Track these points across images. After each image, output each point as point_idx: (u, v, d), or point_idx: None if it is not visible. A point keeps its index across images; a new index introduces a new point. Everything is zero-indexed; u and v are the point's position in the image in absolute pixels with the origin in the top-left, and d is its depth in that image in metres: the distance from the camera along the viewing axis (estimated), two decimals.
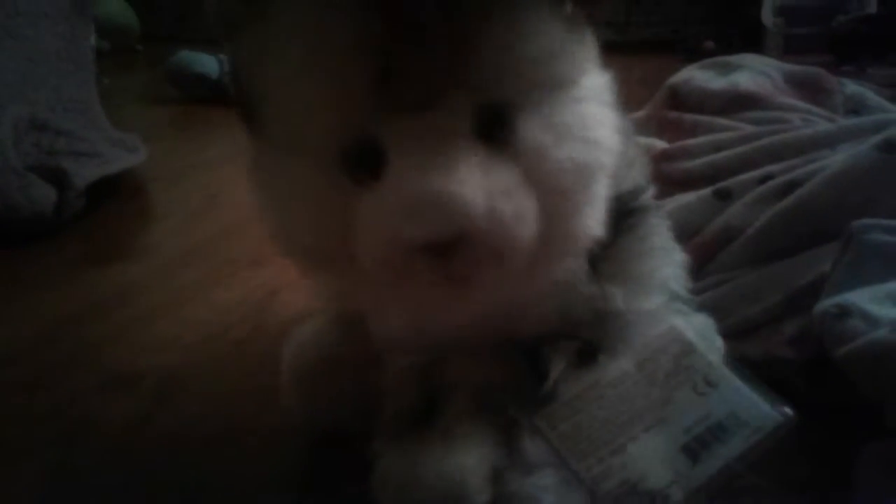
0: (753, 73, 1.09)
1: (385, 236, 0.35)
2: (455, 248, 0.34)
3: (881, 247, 0.57)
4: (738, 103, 1.03)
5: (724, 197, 0.78)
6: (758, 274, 0.66)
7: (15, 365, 0.68)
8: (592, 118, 0.40)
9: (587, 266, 0.44)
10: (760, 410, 0.42)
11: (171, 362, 0.67)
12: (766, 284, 0.63)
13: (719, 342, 0.49)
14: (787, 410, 0.42)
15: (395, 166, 0.35)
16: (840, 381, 0.51)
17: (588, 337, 0.46)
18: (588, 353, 0.46)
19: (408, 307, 0.41)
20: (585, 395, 0.44)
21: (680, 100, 1.09)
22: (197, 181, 1.25)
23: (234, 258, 0.90)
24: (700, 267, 0.71)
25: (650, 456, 0.41)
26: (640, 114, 1.10)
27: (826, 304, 0.54)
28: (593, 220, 0.41)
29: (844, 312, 0.52)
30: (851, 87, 1.09)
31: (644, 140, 0.97)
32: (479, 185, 0.34)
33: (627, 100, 0.43)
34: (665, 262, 0.51)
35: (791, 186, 0.71)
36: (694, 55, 1.58)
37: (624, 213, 0.46)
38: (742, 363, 0.46)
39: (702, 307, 0.52)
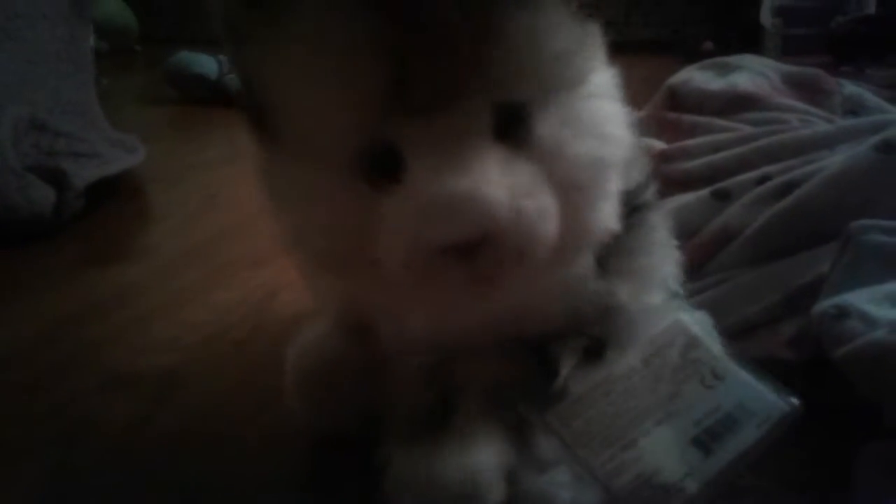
0: (752, 74, 1.10)
1: (410, 239, 0.35)
2: (480, 249, 0.34)
3: (879, 247, 0.57)
4: (736, 104, 1.03)
5: (723, 198, 0.78)
6: (756, 274, 0.66)
7: (14, 365, 0.68)
8: (605, 114, 0.40)
9: (593, 262, 0.44)
10: (768, 401, 0.43)
11: (171, 363, 0.67)
12: (765, 284, 0.63)
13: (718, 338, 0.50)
14: (794, 400, 0.43)
15: (415, 169, 0.35)
16: (839, 381, 0.51)
17: (594, 333, 0.46)
18: (595, 349, 0.46)
19: (429, 308, 0.41)
20: (595, 391, 0.44)
21: (679, 100, 1.09)
22: (196, 182, 1.25)
23: (233, 259, 0.90)
24: (698, 267, 0.72)
25: (663, 449, 0.42)
26: (640, 114, 1.10)
27: (824, 304, 0.54)
28: (608, 215, 0.41)
29: (843, 313, 0.52)
30: (850, 87, 1.09)
31: (644, 141, 0.97)
32: (501, 184, 0.34)
33: (626, 100, 0.43)
34: (666, 258, 0.51)
35: (789, 187, 0.71)
36: (693, 56, 1.58)
37: (629, 210, 0.46)
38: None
39: (700, 307, 0.52)
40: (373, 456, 0.45)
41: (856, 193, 0.66)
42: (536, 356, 0.45)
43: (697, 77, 1.12)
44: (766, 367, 0.45)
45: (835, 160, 0.73)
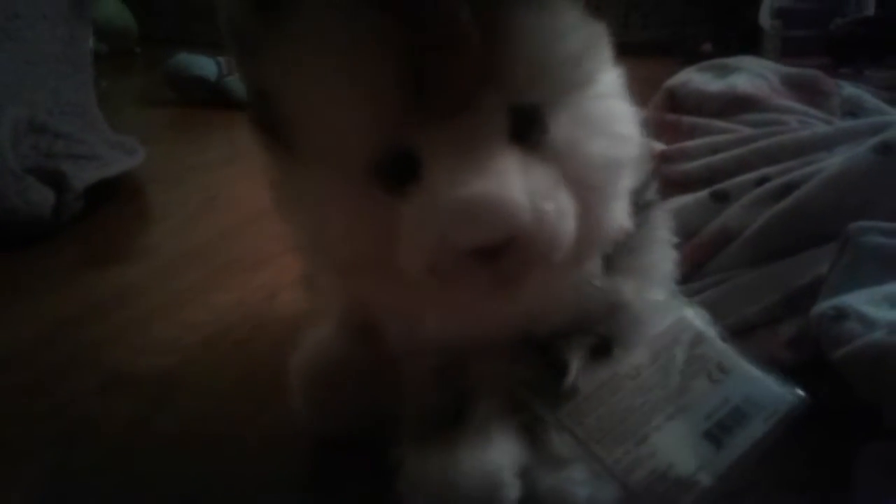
0: (751, 76, 1.10)
1: (433, 242, 0.35)
2: (503, 251, 0.34)
3: (878, 249, 0.57)
4: (735, 105, 1.03)
5: (722, 199, 0.78)
6: (756, 275, 0.66)
7: (15, 366, 0.68)
8: (615, 113, 0.41)
9: (601, 261, 0.45)
10: (775, 393, 0.43)
11: (171, 363, 0.67)
12: (764, 285, 0.63)
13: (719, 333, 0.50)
14: (800, 392, 0.43)
15: (434, 172, 0.35)
16: (838, 382, 0.51)
17: (601, 331, 0.46)
18: (602, 347, 0.46)
19: (448, 311, 0.41)
20: (605, 388, 0.45)
21: (678, 102, 1.09)
22: (196, 183, 1.25)
23: (233, 260, 0.91)
24: (697, 268, 0.72)
25: (675, 444, 0.42)
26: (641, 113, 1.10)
27: (823, 306, 0.54)
28: (621, 213, 0.41)
29: (841, 315, 0.52)
30: (849, 89, 1.10)
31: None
32: (522, 186, 0.34)
33: (629, 98, 0.44)
34: (667, 255, 0.52)
35: (788, 188, 0.71)
36: (692, 57, 1.58)
37: (635, 209, 0.47)
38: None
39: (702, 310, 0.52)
40: (374, 456, 0.46)
41: (855, 195, 0.66)
42: (545, 355, 0.46)
43: (696, 78, 1.12)
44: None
45: (834, 162, 0.73)
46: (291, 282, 0.79)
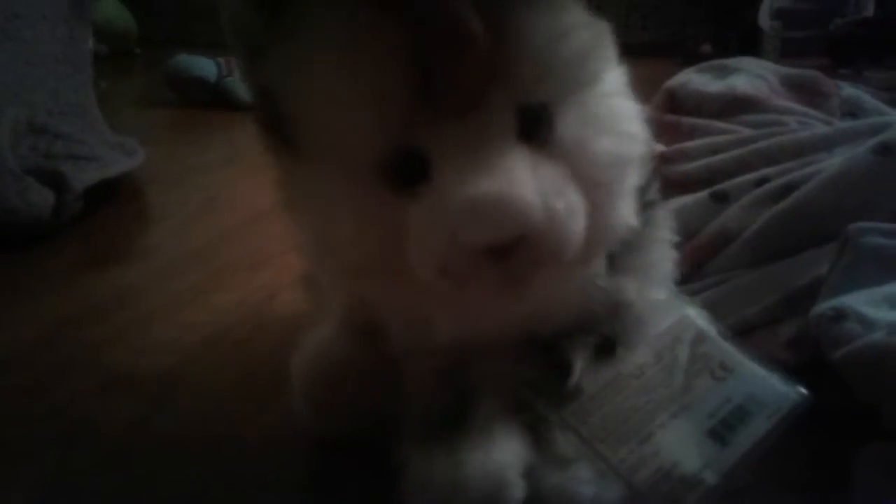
0: (750, 77, 1.10)
1: (444, 242, 0.35)
2: (514, 250, 0.34)
3: (877, 250, 0.57)
4: (735, 106, 1.03)
5: (721, 200, 0.78)
6: (755, 275, 0.66)
7: (14, 368, 0.68)
8: (621, 111, 0.41)
9: (605, 260, 0.45)
10: (778, 391, 0.44)
11: (171, 364, 0.67)
12: (764, 286, 0.64)
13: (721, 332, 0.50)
14: (802, 390, 0.43)
15: (444, 172, 0.35)
16: (838, 382, 0.51)
17: (604, 331, 0.46)
18: (606, 346, 0.46)
19: (458, 311, 0.41)
20: (609, 388, 0.45)
21: (677, 103, 1.09)
22: (195, 184, 1.25)
23: (233, 260, 0.90)
24: (697, 269, 0.72)
25: (679, 442, 0.42)
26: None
27: (822, 307, 0.54)
28: (628, 211, 0.41)
29: (841, 315, 0.52)
30: (848, 90, 1.10)
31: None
32: (532, 185, 0.34)
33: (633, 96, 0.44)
34: (668, 254, 0.52)
35: (787, 189, 0.71)
36: (692, 58, 1.59)
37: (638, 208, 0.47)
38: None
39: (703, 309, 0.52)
40: (375, 457, 0.46)
41: (854, 195, 0.66)
42: (548, 355, 0.46)
43: (696, 79, 1.12)
44: None
45: (833, 162, 0.73)
46: (291, 282, 0.79)
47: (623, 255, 0.46)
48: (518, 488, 0.42)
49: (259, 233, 0.95)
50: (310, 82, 0.36)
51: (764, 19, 2.28)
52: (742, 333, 0.60)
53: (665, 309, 0.48)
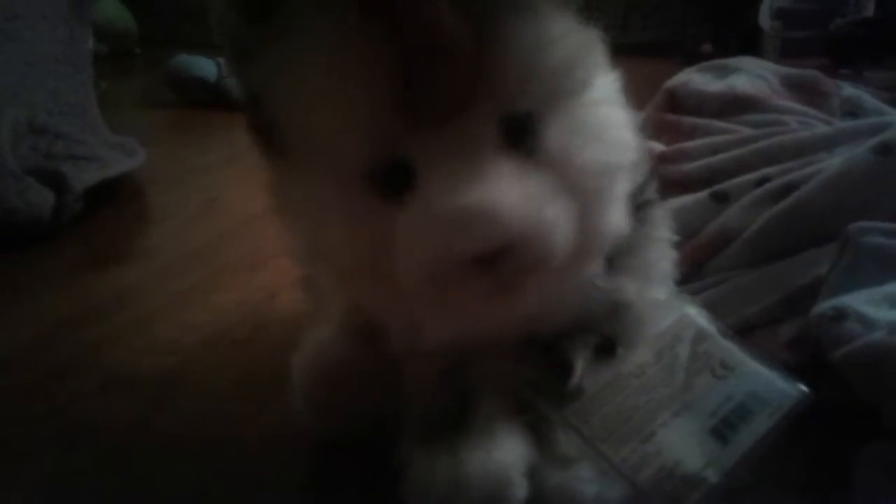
0: (751, 76, 1.10)
1: (429, 251, 0.35)
2: (499, 258, 0.34)
3: (878, 249, 0.57)
4: (735, 106, 1.03)
5: (721, 199, 0.78)
6: (755, 275, 0.66)
7: (14, 368, 0.68)
8: (610, 118, 0.41)
9: (603, 262, 0.45)
10: (779, 389, 0.44)
11: (171, 364, 0.67)
12: (764, 286, 0.64)
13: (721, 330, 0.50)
14: (803, 387, 0.43)
15: (429, 181, 0.35)
16: (838, 382, 0.51)
17: (604, 331, 0.46)
18: (606, 346, 0.46)
19: (448, 318, 0.41)
20: (610, 387, 0.45)
21: (678, 102, 1.09)
22: (196, 184, 1.25)
23: (233, 261, 0.91)
24: (697, 269, 0.72)
25: (681, 441, 0.42)
26: (639, 116, 1.10)
27: (823, 306, 0.54)
28: (618, 218, 0.41)
29: (841, 315, 0.52)
30: (848, 90, 1.10)
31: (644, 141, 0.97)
32: (517, 194, 0.34)
33: (626, 102, 0.44)
34: (667, 253, 0.52)
35: (788, 189, 0.71)
36: (692, 58, 1.59)
37: (634, 208, 0.47)
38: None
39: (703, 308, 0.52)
40: (375, 457, 0.46)
41: (854, 195, 0.66)
42: (549, 355, 0.46)
43: (696, 79, 1.12)
44: None
45: (833, 162, 0.73)
46: (291, 282, 0.79)
47: (622, 255, 0.46)
48: (520, 488, 0.42)
49: (259, 233, 0.95)
50: (296, 87, 0.36)
51: (764, 19, 2.28)
52: (742, 333, 0.60)
53: (665, 308, 0.48)
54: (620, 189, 0.41)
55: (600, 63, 0.41)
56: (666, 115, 1.07)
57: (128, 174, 1.20)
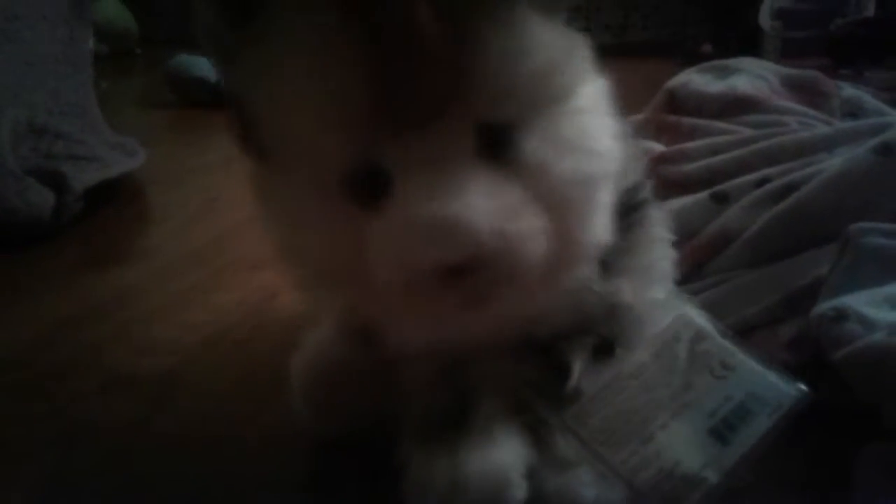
0: (751, 77, 1.10)
1: (397, 260, 0.35)
2: (467, 270, 0.34)
3: (878, 250, 0.57)
4: (735, 107, 1.03)
5: (722, 200, 0.78)
6: (756, 276, 0.66)
7: (14, 368, 0.68)
8: (592, 128, 0.40)
9: (598, 265, 0.44)
10: (778, 388, 0.44)
11: (171, 364, 0.67)
12: (764, 286, 0.63)
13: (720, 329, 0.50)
14: (803, 387, 0.43)
15: (401, 190, 0.35)
16: (838, 382, 0.51)
17: (603, 332, 0.46)
18: (605, 347, 0.46)
19: (424, 326, 0.41)
20: (609, 389, 0.45)
21: (678, 103, 1.09)
22: (196, 185, 1.25)
23: (233, 261, 0.91)
24: (697, 269, 0.72)
25: (681, 442, 0.42)
26: (639, 117, 1.10)
27: (823, 307, 0.54)
28: (600, 228, 0.41)
29: (841, 316, 0.52)
30: (848, 90, 1.10)
31: (642, 143, 0.97)
32: (486, 206, 0.34)
33: (625, 103, 0.43)
34: (665, 253, 0.52)
35: (788, 190, 0.71)
36: (692, 58, 1.59)
37: (629, 209, 0.47)
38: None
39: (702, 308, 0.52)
40: (375, 457, 0.46)
41: (855, 196, 0.66)
42: (548, 357, 0.46)
43: (696, 80, 1.12)
44: None
45: (834, 163, 0.73)
46: (291, 282, 0.79)
47: (619, 256, 0.46)
48: (519, 488, 0.42)
49: (259, 233, 0.95)
50: (274, 90, 0.36)
51: (764, 19, 2.28)
52: (742, 334, 0.60)
53: (663, 308, 0.48)
54: (603, 199, 0.41)
55: (585, 70, 0.41)
56: (666, 115, 1.07)
57: (128, 174, 1.21)
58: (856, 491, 0.47)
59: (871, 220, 0.60)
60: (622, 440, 0.42)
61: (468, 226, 0.33)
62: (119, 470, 0.53)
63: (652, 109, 1.11)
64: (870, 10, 2.20)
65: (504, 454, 0.42)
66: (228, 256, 0.92)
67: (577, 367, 0.45)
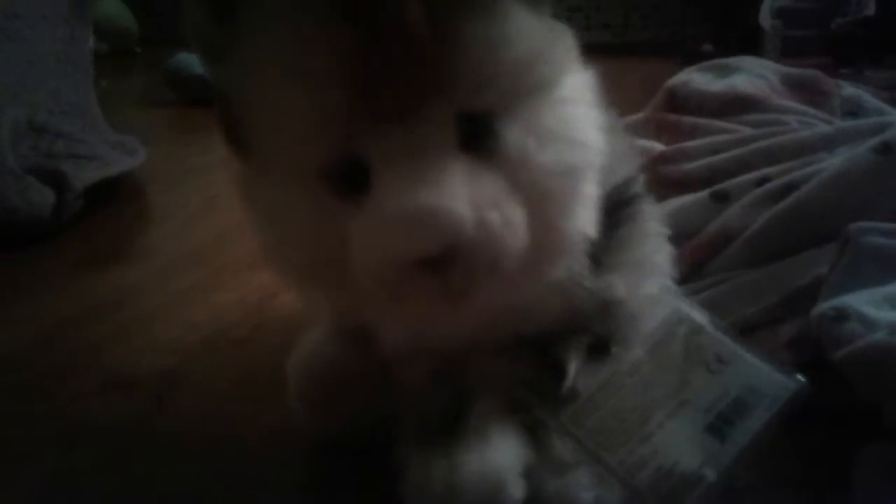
0: (751, 76, 1.10)
1: (378, 254, 0.35)
2: (448, 262, 0.34)
3: (878, 249, 0.57)
4: (736, 105, 1.03)
5: (722, 199, 0.78)
6: (756, 275, 0.66)
7: (14, 367, 0.68)
8: (576, 119, 0.40)
9: (589, 260, 0.44)
10: (775, 380, 0.43)
11: (171, 363, 0.67)
12: (764, 285, 0.63)
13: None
14: (800, 378, 0.43)
15: (380, 182, 0.35)
16: (838, 382, 0.51)
17: (597, 330, 0.46)
18: (599, 346, 0.46)
19: (408, 320, 0.41)
20: (605, 388, 0.45)
21: (678, 102, 1.09)
22: (196, 183, 1.25)
23: (233, 260, 0.90)
24: (697, 269, 0.72)
25: (678, 440, 0.42)
26: (639, 116, 1.10)
27: (823, 306, 0.54)
28: (585, 220, 0.41)
29: (842, 315, 0.52)
30: (849, 89, 1.10)
31: (643, 142, 0.97)
32: (465, 196, 0.34)
33: (625, 102, 0.43)
34: (658, 248, 0.52)
35: (788, 189, 0.71)
36: (692, 57, 1.59)
37: (620, 204, 0.47)
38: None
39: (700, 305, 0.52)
40: (374, 457, 0.46)
41: (855, 195, 0.66)
42: (543, 356, 0.46)
43: (697, 79, 1.12)
44: None
45: (834, 162, 0.73)
46: None
47: (609, 252, 0.46)
48: (517, 488, 0.41)
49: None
50: (257, 84, 0.36)
51: (765, 18, 2.28)
52: (742, 333, 0.60)
53: (657, 304, 0.48)
54: (587, 190, 0.41)
55: (569, 61, 0.41)
56: (666, 114, 1.07)
57: (128, 173, 1.21)
58: (855, 490, 0.47)
59: (871, 219, 0.60)
60: (619, 441, 0.42)
61: (446, 215, 0.33)
62: (119, 470, 0.53)
63: (652, 108, 1.11)
64: (870, 9, 2.19)
65: (501, 455, 0.42)
66: (229, 255, 0.92)
67: (573, 367, 0.45)
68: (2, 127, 1.01)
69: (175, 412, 0.60)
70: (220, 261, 0.91)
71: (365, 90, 0.34)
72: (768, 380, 0.44)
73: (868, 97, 1.07)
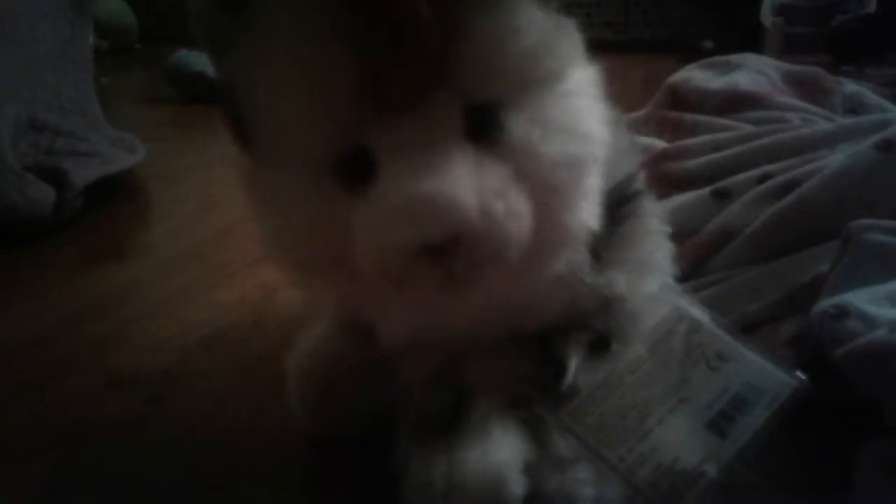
0: (752, 73, 1.09)
1: (381, 242, 0.35)
2: (451, 251, 0.34)
3: (879, 247, 0.57)
4: (737, 103, 1.03)
5: (723, 197, 0.78)
6: (757, 272, 0.66)
7: (15, 365, 0.68)
8: (580, 111, 0.40)
9: (590, 256, 0.44)
10: (776, 377, 0.43)
11: (171, 362, 0.67)
12: (765, 283, 0.63)
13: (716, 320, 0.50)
14: (800, 375, 0.43)
15: (386, 171, 0.35)
16: (839, 381, 0.51)
17: (597, 327, 0.46)
18: (600, 343, 0.46)
19: (411, 311, 0.41)
20: (605, 385, 0.45)
21: (679, 99, 1.09)
22: (196, 181, 1.25)
23: (233, 258, 0.90)
24: (698, 266, 0.72)
25: (679, 437, 0.42)
26: (640, 113, 1.10)
27: (824, 304, 0.54)
28: (588, 213, 0.41)
29: (842, 313, 0.52)
30: (850, 86, 1.09)
31: (644, 139, 0.97)
32: (470, 185, 0.34)
33: (626, 100, 0.43)
34: (659, 245, 0.51)
35: (790, 186, 0.71)
36: (693, 55, 1.58)
37: (621, 201, 0.47)
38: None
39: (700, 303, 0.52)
40: (374, 456, 0.45)
41: (856, 192, 0.66)
42: (543, 353, 0.45)
43: (698, 76, 1.12)
44: None
45: (835, 159, 0.73)
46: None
47: (610, 249, 0.46)
48: (518, 485, 0.41)
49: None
50: (263, 76, 0.36)
51: (766, 15, 2.28)
52: (744, 331, 0.60)
53: (657, 301, 0.48)
54: (590, 183, 0.41)
55: (574, 54, 0.41)
56: (668, 111, 1.07)
57: (128, 170, 1.21)
58: (857, 488, 0.46)
59: (872, 216, 0.60)
60: (620, 438, 0.42)
61: (450, 203, 0.33)
62: (119, 468, 0.53)
63: (653, 106, 1.10)
64: (871, 7, 2.19)
65: (501, 451, 0.42)
66: (228, 253, 0.92)
67: (573, 363, 0.45)
68: (2, 124, 1.01)
69: (175, 411, 0.60)
70: (220, 258, 0.91)
71: (372, 81, 0.34)
72: (769, 377, 0.44)
73: (869, 94, 1.07)
